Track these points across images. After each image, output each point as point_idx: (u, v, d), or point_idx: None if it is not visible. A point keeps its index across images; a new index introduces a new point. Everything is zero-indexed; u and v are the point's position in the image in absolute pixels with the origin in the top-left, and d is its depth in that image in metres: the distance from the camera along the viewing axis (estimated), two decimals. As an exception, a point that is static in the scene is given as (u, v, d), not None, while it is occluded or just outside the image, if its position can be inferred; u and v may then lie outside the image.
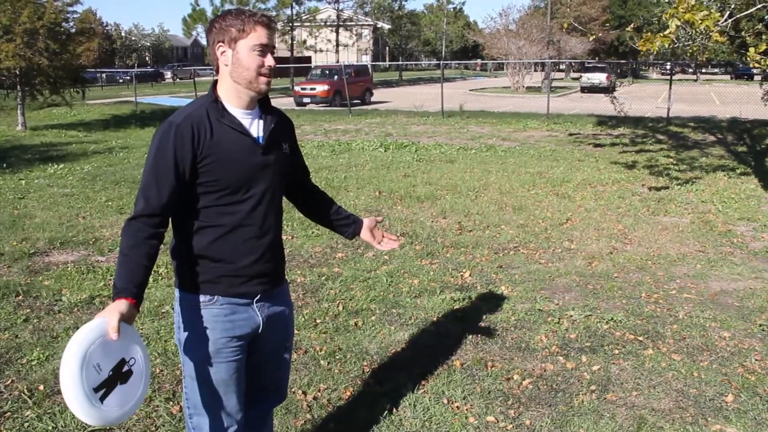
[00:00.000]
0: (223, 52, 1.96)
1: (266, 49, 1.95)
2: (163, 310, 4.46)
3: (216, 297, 2.01)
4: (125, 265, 1.86)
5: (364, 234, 2.38)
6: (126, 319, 1.77)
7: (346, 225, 2.38)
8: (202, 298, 2.00)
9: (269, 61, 1.96)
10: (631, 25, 9.19)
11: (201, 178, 1.93)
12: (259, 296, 2.07)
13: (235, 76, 1.96)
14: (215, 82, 2.02)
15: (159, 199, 1.90)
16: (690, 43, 7.84)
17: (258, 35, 1.93)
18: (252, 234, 2.02)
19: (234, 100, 1.99)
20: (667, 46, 7.65)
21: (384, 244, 2.40)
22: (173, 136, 1.90)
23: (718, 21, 7.44)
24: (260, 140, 2.02)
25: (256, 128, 2.03)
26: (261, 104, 2.07)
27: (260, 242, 2.04)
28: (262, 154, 2.01)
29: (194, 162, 1.91)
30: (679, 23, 7.27)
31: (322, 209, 2.37)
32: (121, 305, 1.78)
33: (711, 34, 7.34)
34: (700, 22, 7.03)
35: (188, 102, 2.06)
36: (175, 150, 1.89)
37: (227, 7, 30.72)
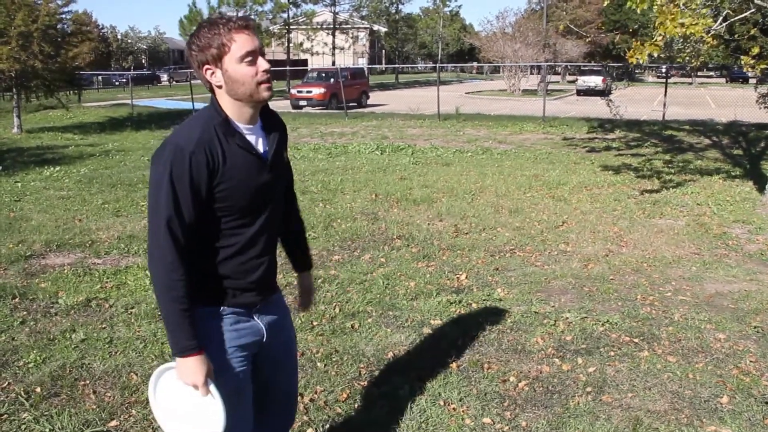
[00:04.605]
0: (213, 73, 1.83)
1: (255, 54, 1.81)
2: (160, 313, 4.46)
3: (221, 308, 1.95)
4: (181, 318, 1.81)
5: (301, 284, 2.45)
6: (208, 373, 1.85)
7: (298, 261, 2.43)
8: (206, 310, 1.93)
9: (263, 65, 1.82)
10: (618, 34, 8.92)
11: (215, 204, 1.84)
12: (258, 306, 2.04)
13: (233, 94, 1.83)
14: (215, 98, 1.88)
15: (184, 230, 1.80)
16: (682, 48, 7.85)
17: (240, 44, 1.79)
18: (257, 252, 1.97)
19: (237, 116, 1.87)
20: (656, 55, 7.62)
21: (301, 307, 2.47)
22: (188, 164, 1.75)
23: (711, 27, 7.44)
24: (266, 155, 1.93)
25: (261, 144, 1.93)
26: (261, 114, 1.96)
27: (263, 259, 2.00)
28: (269, 171, 1.93)
29: (210, 189, 1.81)
30: (661, 36, 7.24)
31: (289, 228, 2.31)
32: (199, 365, 1.83)
33: (704, 39, 7.34)
34: (684, 29, 6.99)
35: (188, 118, 1.92)
36: (192, 179, 1.76)
37: (224, 9, 30.72)
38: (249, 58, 1.81)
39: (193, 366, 1.82)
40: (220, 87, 1.84)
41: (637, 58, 7.62)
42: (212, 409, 1.87)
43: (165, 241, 1.78)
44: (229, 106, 1.86)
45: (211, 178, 1.80)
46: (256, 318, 2.04)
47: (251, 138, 1.90)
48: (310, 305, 2.50)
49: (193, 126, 1.83)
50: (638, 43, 7.70)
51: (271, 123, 2.00)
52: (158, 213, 1.78)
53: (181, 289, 1.79)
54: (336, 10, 46.42)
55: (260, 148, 1.93)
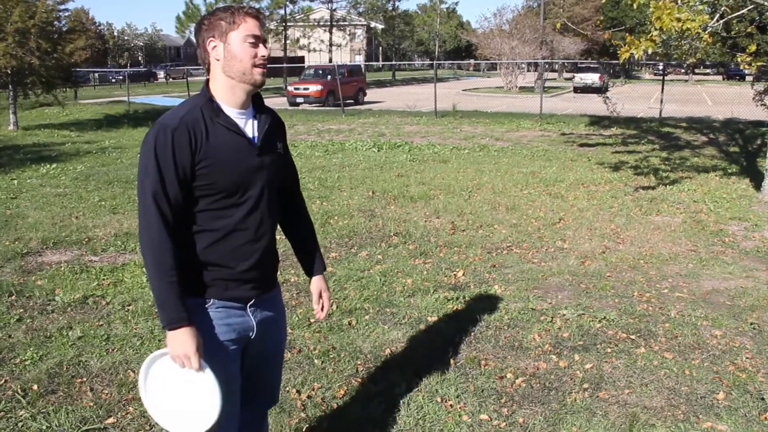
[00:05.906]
0: (215, 46, 1.91)
1: (258, 39, 1.92)
2: (156, 310, 4.45)
3: (211, 300, 1.96)
4: (169, 290, 1.84)
5: (313, 286, 2.32)
6: (199, 347, 1.86)
7: (309, 263, 2.34)
8: (196, 301, 1.94)
9: (262, 51, 1.93)
10: (607, 34, 8.59)
11: (197, 182, 1.88)
12: (252, 300, 2.03)
13: (228, 70, 1.91)
14: (207, 82, 1.97)
15: (170, 205, 1.85)
16: (679, 44, 7.83)
17: (249, 26, 1.90)
18: (247, 238, 1.97)
19: (228, 99, 1.93)
20: (650, 52, 7.59)
21: (318, 311, 2.31)
22: (171, 139, 1.83)
23: (708, 23, 7.43)
24: (255, 141, 1.97)
25: (251, 128, 1.98)
26: (254, 103, 2.02)
27: (255, 246, 2.00)
28: (257, 155, 1.96)
29: (192, 165, 1.86)
30: (656, 32, 7.22)
31: (296, 231, 2.32)
32: (189, 337, 1.85)
33: (701, 35, 7.33)
34: (681, 24, 6.97)
35: (180, 102, 2.01)
36: (174, 153, 1.83)
37: (221, 5, 30.71)
38: (252, 40, 1.92)
39: (183, 337, 1.84)
40: (218, 60, 1.93)
41: (632, 53, 7.56)
42: (206, 389, 1.87)
43: (153, 215, 1.84)
44: (221, 86, 1.94)
45: (194, 155, 1.86)
46: (249, 313, 2.04)
47: (240, 121, 1.96)
48: (326, 311, 2.32)
49: (181, 108, 1.93)
50: (631, 37, 7.66)
51: (264, 112, 2.04)
52: (145, 188, 1.84)
53: (169, 261, 1.84)
54: (333, 7, 46.37)
55: (248, 131, 1.98)
